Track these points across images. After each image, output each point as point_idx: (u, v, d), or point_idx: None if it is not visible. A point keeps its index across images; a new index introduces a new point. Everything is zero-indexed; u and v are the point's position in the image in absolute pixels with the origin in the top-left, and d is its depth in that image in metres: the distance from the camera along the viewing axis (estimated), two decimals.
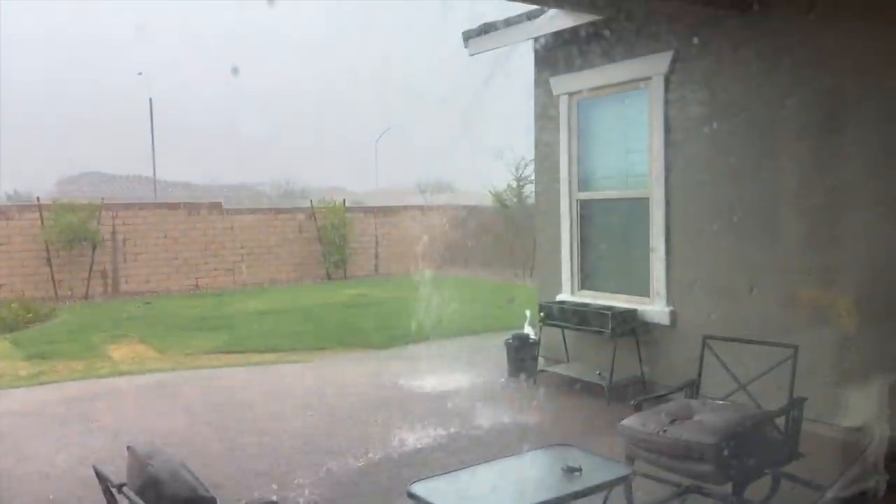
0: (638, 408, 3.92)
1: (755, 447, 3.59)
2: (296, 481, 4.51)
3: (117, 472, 2.44)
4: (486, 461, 3.91)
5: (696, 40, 5.41)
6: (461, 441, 5.18)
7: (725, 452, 3.38)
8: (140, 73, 45.52)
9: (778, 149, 5.09)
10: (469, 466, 3.86)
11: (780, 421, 3.75)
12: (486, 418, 5.72)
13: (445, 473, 3.64)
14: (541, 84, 6.98)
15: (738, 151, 5.30)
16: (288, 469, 4.72)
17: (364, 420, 5.83)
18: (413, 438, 5.26)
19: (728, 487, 3.53)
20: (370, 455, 4.91)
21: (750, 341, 4.22)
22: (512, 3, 5.57)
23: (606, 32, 5.98)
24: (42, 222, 13.66)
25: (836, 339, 4.67)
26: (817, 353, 4.52)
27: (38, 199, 14.48)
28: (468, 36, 7.10)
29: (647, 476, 3.73)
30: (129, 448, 2.44)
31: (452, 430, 5.44)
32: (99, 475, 2.41)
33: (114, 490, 2.31)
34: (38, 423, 5.94)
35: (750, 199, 5.25)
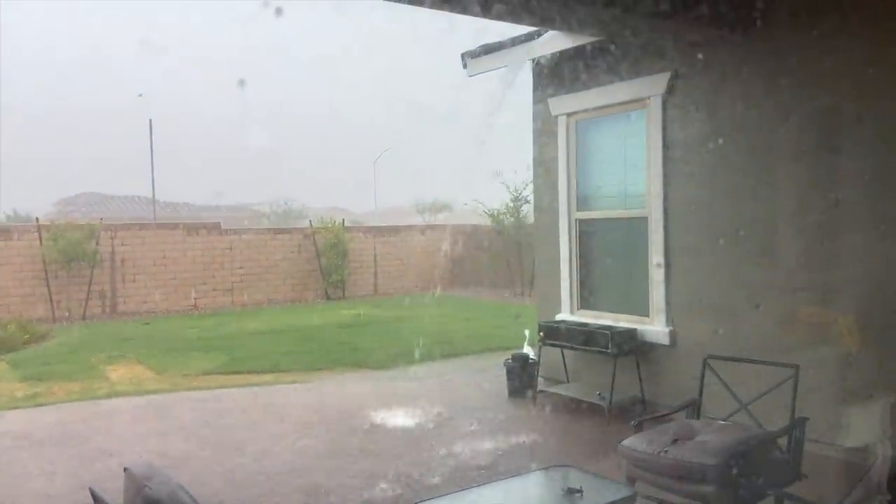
0: (638, 428, 3.90)
1: (757, 468, 3.56)
2: None
3: (114, 494, 2.42)
4: (486, 483, 3.89)
5: (693, 60, 5.46)
6: (461, 462, 5.13)
7: (727, 473, 3.35)
8: (140, 95, 45.86)
9: (777, 168, 5.12)
10: (470, 488, 3.83)
11: (783, 441, 3.72)
12: (486, 440, 5.68)
13: (447, 495, 3.61)
14: (539, 104, 7.03)
15: (737, 170, 5.33)
16: (288, 493, 4.67)
17: (363, 440, 5.79)
18: (412, 459, 5.22)
19: None
20: (370, 477, 4.86)
21: (751, 361, 4.21)
22: (511, 24, 5.62)
23: (604, 53, 6.03)
24: (41, 242, 13.66)
25: (837, 358, 4.65)
26: (819, 373, 4.50)
27: (36, 219, 14.50)
28: (467, 57, 7.16)
29: (648, 497, 3.70)
30: (126, 470, 2.41)
31: (451, 451, 5.40)
32: (96, 497, 2.39)
33: None
34: (35, 445, 5.88)
35: (749, 219, 5.26)
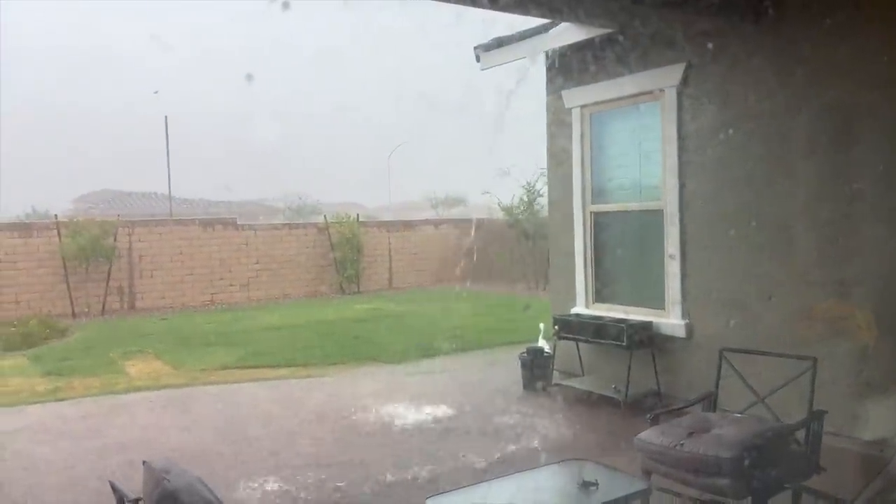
0: (654, 421, 3.88)
1: (774, 461, 3.54)
2: (310, 497, 4.50)
3: (133, 486, 2.45)
4: (501, 476, 3.89)
5: (708, 51, 5.40)
6: (475, 456, 5.15)
7: (744, 466, 3.33)
8: (156, 92, 46.24)
9: (793, 159, 5.06)
10: (484, 482, 3.84)
11: (801, 434, 3.69)
12: (501, 433, 5.69)
13: (461, 488, 3.62)
14: (553, 97, 7.00)
15: (753, 162, 5.27)
16: (304, 486, 4.70)
17: (377, 434, 5.82)
18: (426, 453, 5.24)
19: (747, 502, 3.48)
20: (386, 471, 4.89)
21: (768, 353, 4.17)
22: (518, 15, 5.58)
23: (618, 45, 5.99)
24: (59, 239, 13.82)
25: (854, 351, 4.61)
26: (836, 366, 4.46)
27: (55, 216, 14.67)
28: (480, 50, 7.14)
29: (664, 490, 3.69)
30: (144, 463, 2.45)
31: (467, 445, 5.41)
32: (115, 490, 2.42)
33: None
34: (56, 439, 5.97)
35: (765, 211, 5.21)
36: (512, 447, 5.34)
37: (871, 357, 4.58)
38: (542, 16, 5.74)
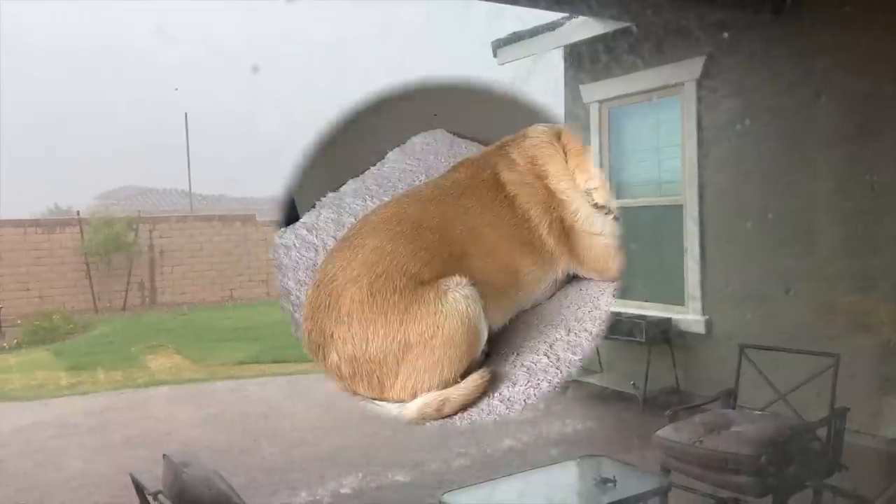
0: (673, 418, 3.85)
1: (795, 459, 3.50)
2: (326, 492, 4.53)
3: (154, 479, 2.48)
4: (519, 472, 3.88)
5: (727, 44, 5.33)
6: (495, 451, 5.14)
7: (764, 464, 3.30)
8: (176, 89, 46.61)
9: (813, 151, 4.99)
10: (501, 478, 3.83)
11: (822, 432, 3.65)
12: (517, 429, 5.67)
13: (477, 484, 3.62)
14: (571, 92, 6.95)
15: (773, 155, 5.21)
16: (321, 482, 4.73)
17: (395, 429, 5.83)
18: (445, 448, 5.24)
19: (768, 500, 3.44)
20: (401, 467, 4.90)
21: (789, 350, 4.12)
22: (528, 7, 5.52)
23: (636, 39, 5.93)
24: (82, 235, 14.00)
25: (877, 347, 4.53)
26: (859, 362, 4.39)
27: (77, 212, 14.86)
28: (497, 45, 7.11)
29: (683, 488, 3.66)
30: (164, 456, 2.47)
31: (483, 440, 5.40)
32: (136, 483, 2.45)
33: (150, 497, 2.34)
34: (78, 432, 6.05)
35: (786, 205, 5.14)
36: (526, 443, 5.32)
37: (895, 352, 4.51)
38: (550, 8, 5.69)
